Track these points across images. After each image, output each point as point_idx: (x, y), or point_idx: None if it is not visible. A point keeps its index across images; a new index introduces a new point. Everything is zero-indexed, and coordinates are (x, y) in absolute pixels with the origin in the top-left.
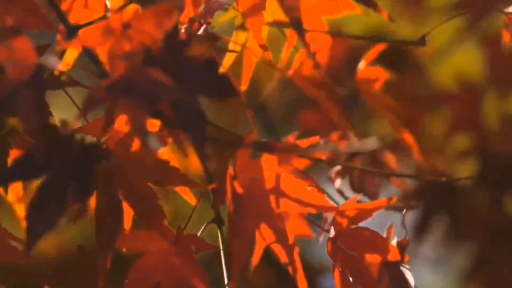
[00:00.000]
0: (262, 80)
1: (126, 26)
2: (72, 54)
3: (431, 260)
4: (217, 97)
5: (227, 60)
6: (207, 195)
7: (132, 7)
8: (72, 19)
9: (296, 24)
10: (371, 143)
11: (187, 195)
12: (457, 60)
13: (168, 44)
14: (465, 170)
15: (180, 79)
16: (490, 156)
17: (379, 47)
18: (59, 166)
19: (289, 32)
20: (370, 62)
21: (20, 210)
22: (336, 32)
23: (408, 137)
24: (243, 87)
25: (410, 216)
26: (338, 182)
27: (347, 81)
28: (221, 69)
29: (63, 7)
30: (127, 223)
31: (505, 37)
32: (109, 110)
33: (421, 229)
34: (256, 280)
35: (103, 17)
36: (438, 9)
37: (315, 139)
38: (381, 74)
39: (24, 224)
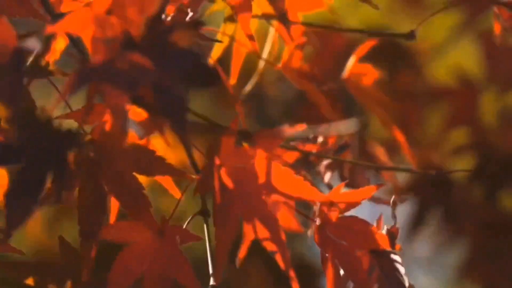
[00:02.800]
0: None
1: (109, 12)
2: (60, 43)
3: (426, 258)
4: (199, 85)
5: (216, 52)
6: (192, 188)
7: None
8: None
9: (282, 16)
10: (349, 125)
11: (171, 188)
12: (454, 56)
13: (151, 31)
14: (461, 166)
15: (161, 65)
16: (487, 152)
17: (370, 43)
18: (35, 152)
19: (278, 24)
20: (360, 58)
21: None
22: (327, 26)
23: (398, 134)
24: (232, 80)
25: (404, 212)
26: (327, 176)
27: (337, 76)
28: (209, 61)
29: None
30: (113, 213)
31: (496, 28)
32: (89, 95)
33: (415, 225)
34: (253, 281)
35: (88, 4)
36: (436, 5)
37: (300, 126)
38: (371, 71)
39: None
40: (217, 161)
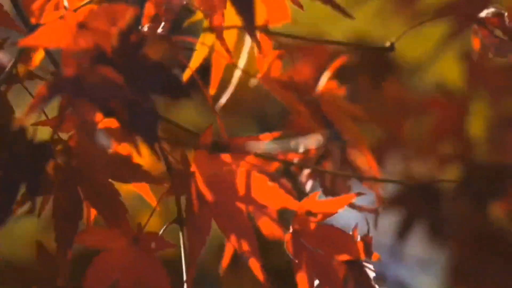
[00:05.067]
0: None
1: (81, 25)
2: (40, 53)
3: (418, 260)
4: (169, 97)
5: (195, 61)
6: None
7: (89, 6)
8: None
9: (249, 25)
10: (313, 141)
11: (147, 195)
12: (440, 67)
13: (123, 43)
14: (448, 177)
15: (132, 78)
16: (473, 164)
17: (341, 60)
18: (8, 163)
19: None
20: (333, 74)
21: None
22: (307, 38)
23: (366, 153)
24: (212, 90)
25: (393, 220)
26: (309, 185)
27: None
28: (187, 71)
29: (34, 6)
30: (90, 219)
31: (475, 44)
32: (61, 107)
33: (402, 233)
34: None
35: (62, 17)
36: (425, 12)
37: (272, 135)
38: (340, 88)
39: None
40: (191, 168)
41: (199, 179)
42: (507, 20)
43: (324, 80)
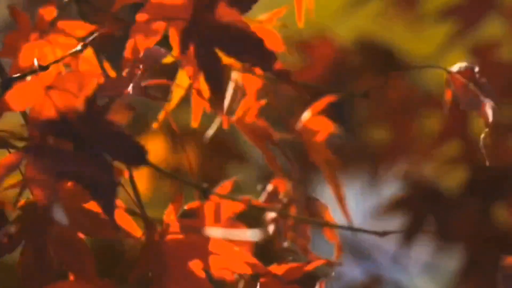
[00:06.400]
0: None
1: (49, 87)
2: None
3: (423, 263)
4: (131, 165)
5: (171, 104)
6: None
7: (57, 67)
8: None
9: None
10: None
11: (131, 228)
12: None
13: (87, 109)
14: (453, 179)
15: (95, 146)
16: (479, 166)
17: (327, 99)
18: None
19: (238, 75)
20: (316, 113)
21: None
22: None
23: (339, 194)
24: (194, 124)
25: (399, 223)
26: (270, 228)
27: (291, 126)
28: (162, 113)
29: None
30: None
31: (447, 95)
32: (24, 177)
33: (409, 236)
34: None
35: (32, 72)
36: (430, 12)
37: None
38: (326, 126)
39: None
40: (160, 232)
41: (165, 244)
42: (478, 75)
43: (305, 118)
